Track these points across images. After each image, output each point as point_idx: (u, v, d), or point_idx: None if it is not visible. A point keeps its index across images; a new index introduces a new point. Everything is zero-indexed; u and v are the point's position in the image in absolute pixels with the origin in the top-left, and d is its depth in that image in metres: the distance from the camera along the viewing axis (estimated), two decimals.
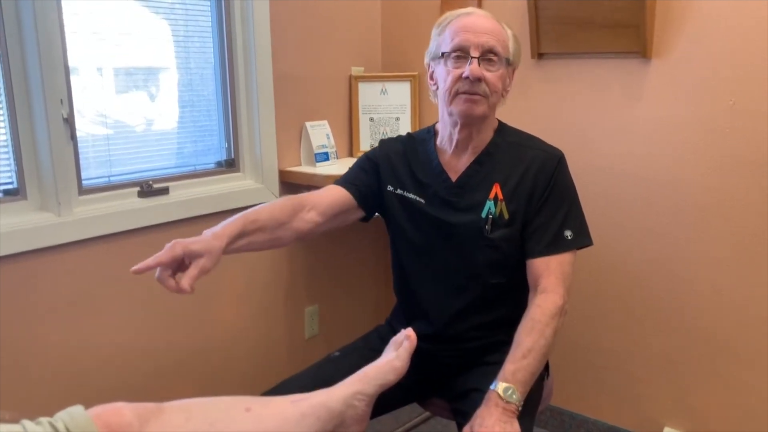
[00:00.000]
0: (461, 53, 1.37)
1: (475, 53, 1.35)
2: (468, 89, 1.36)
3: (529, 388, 1.28)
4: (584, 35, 1.93)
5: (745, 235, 1.80)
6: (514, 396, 1.23)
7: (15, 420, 0.73)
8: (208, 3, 1.98)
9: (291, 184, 2.17)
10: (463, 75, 1.35)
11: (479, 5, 2.17)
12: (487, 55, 1.36)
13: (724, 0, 1.74)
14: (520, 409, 1.24)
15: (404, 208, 1.50)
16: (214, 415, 0.88)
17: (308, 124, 2.21)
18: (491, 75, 1.36)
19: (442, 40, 1.41)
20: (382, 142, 1.60)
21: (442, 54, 1.40)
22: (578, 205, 1.46)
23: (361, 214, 1.53)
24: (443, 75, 1.40)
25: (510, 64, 1.42)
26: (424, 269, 1.50)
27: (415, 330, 1.19)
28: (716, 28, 1.77)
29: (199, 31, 1.98)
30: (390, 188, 1.52)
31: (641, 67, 1.90)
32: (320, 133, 2.23)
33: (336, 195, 1.49)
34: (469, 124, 1.41)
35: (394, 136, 1.64)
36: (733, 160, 1.79)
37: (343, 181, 1.54)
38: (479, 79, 1.35)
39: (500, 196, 1.41)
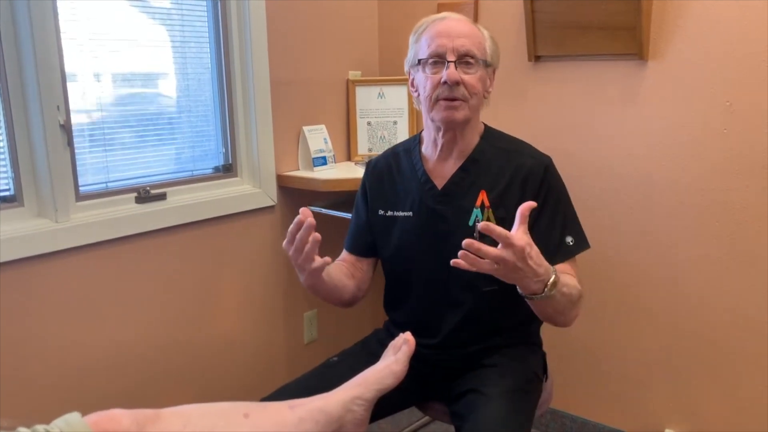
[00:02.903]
0: (438, 59, 1.37)
1: (451, 57, 1.35)
2: (447, 94, 1.36)
3: (557, 292, 1.24)
4: (581, 38, 1.94)
5: (744, 236, 1.80)
6: (555, 278, 1.22)
7: (11, 427, 0.73)
8: (205, 8, 1.98)
9: (289, 188, 2.17)
10: (442, 80, 1.36)
11: (476, 9, 2.17)
12: (464, 59, 1.36)
13: (719, 2, 1.74)
14: (549, 281, 1.21)
15: (394, 228, 1.51)
16: (212, 420, 0.88)
17: (306, 128, 2.21)
18: (470, 78, 1.36)
19: (419, 47, 1.42)
20: (368, 165, 1.61)
21: (420, 61, 1.41)
22: (573, 210, 1.46)
23: (375, 261, 1.61)
24: (422, 82, 1.40)
25: (489, 66, 1.42)
26: (417, 283, 1.49)
27: (413, 335, 1.19)
28: (712, 29, 1.77)
29: (196, 36, 1.98)
30: (381, 212, 1.53)
31: (638, 69, 1.90)
32: (318, 138, 2.23)
33: (365, 267, 1.59)
34: (452, 128, 1.42)
35: (391, 140, 1.65)
36: (730, 161, 1.79)
37: (350, 242, 1.61)
38: (458, 83, 1.35)
39: (486, 204, 1.41)
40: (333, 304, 1.54)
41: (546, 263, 1.21)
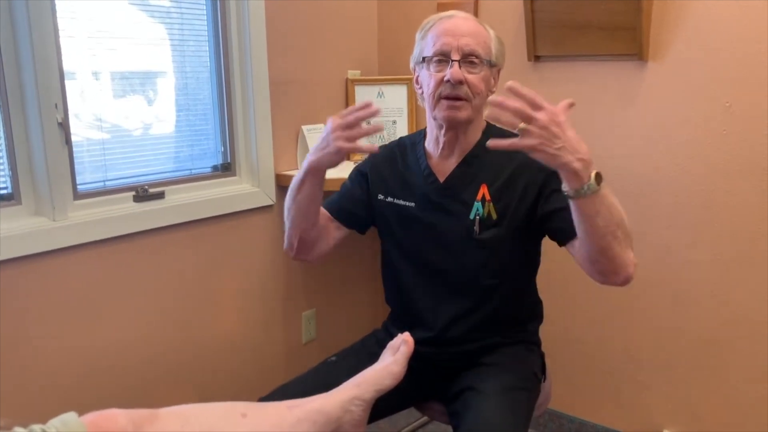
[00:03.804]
0: (442, 57, 1.37)
1: (455, 56, 1.36)
2: (450, 93, 1.36)
3: (605, 193, 1.17)
4: (580, 38, 1.93)
5: (743, 237, 1.80)
6: (599, 171, 1.15)
7: (8, 427, 0.73)
8: (204, 6, 1.98)
9: (287, 188, 2.16)
10: (444, 78, 1.36)
11: (475, 8, 2.17)
12: (468, 58, 1.36)
13: (719, 2, 1.74)
14: (593, 170, 1.14)
15: (394, 216, 1.51)
16: (210, 420, 0.88)
17: (305, 127, 2.21)
18: (473, 77, 1.37)
19: (424, 44, 1.42)
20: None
21: (425, 58, 1.41)
22: None
23: (345, 231, 1.57)
24: (426, 79, 1.41)
25: (493, 66, 1.42)
26: (417, 275, 1.50)
27: (411, 334, 1.19)
28: (712, 30, 1.77)
29: (195, 34, 1.98)
30: (380, 197, 1.53)
31: (637, 70, 1.90)
32: (317, 137, 2.22)
33: (332, 229, 1.56)
34: (453, 127, 1.42)
35: (390, 140, 1.65)
36: (729, 162, 1.79)
37: (330, 201, 1.57)
38: (461, 82, 1.35)
39: (488, 197, 1.41)
40: (296, 231, 1.48)
41: (585, 146, 1.15)
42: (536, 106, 1.12)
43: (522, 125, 1.12)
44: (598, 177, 1.14)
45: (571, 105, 1.17)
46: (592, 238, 1.22)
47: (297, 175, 1.44)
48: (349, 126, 1.33)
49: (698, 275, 1.89)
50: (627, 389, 2.08)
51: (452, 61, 1.36)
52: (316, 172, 1.39)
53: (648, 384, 2.03)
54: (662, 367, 2.00)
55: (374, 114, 1.32)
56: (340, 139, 1.33)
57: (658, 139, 1.90)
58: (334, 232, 1.56)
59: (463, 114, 1.38)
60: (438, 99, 1.39)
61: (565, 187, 1.17)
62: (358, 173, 1.59)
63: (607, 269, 1.26)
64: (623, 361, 2.07)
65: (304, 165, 1.41)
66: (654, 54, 1.87)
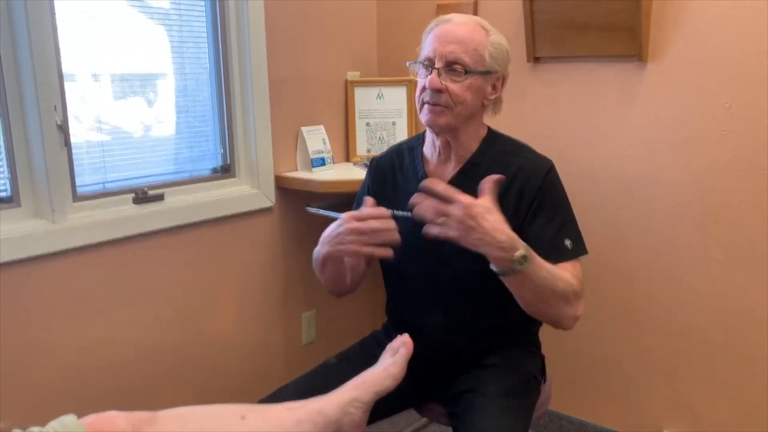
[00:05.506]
0: (429, 63, 1.37)
1: (438, 64, 1.35)
2: (429, 100, 1.37)
3: (531, 271, 1.22)
4: (580, 39, 1.94)
5: (743, 237, 1.80)
6: (524, 252, 1.20)
7: (7, 429, 0.73)
8: (203, 8, 1.98)
9: (287, 189, 2.17)
10: (425, 85, 1.36)
11: (475, 10, 2.17)
12: (452, 66, 1.35)
13: (718, 2, 1.74)
14: (517, 254, 1.20)
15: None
16: (209, 423, 0.87)
17: (304, 129, 2.21)
18: (455, 86, 1.35)
19: (423, 47, 1.42)
20: (371, 162, 1.61)
21: (419, 62, 1.42)
22: (573, 216, 1.44)
23: None
24: (418, 83, 1.42)
25: (489, 73, 1.39)
26: (414, 287, 1.49)
27: (410, 336, 1.19)
28: (711, 30, 1.77)
29: (194, 36, 1.98)
30: None
31: (637, 71, 1.90)
32: (316, 138, 2.23)
33: (361, 262, 1.56)
34: (438, 132, 1.42)
35: (390, 141, 1.65)
36: (729, 163, 1.79)
37: None
38: (439, 90, 1.35)
39: None
40: (331, 289, 1.53)
41: (512, 234, 1.21)
42: (450, 201, 1.20)
43: (440, 219, 1.21)
44: (524, 258, 1.21)
45: (498, 181, 1.24)
46: (525, 304, 1.32)
47: (316, 253, 1.43)
48: (364, 233, 1.31)
49: (697, 275, 1.89)
50: (627, 390, 2.08)
51: (433, 68, 1.36)
52: (334, 260, 1.41)
53: (648, 384, 2.03)
54: (662, 367, 2.00)
55: (390, 225, 1.31)
56: (355, 244, 1.31)
57: (658, 139, 1.90)
58: (362, 263, 1.56)
59: (442, 120, 1.37)
60: (422, 104, 1.39)
61: (492, 265, 1.24)
62: (362, 193, 1.58)
63: (542, 320, 1.38)
64: (623, 361, 2.07)
65: (321, 251, 1.39)
66: (653, 54, 1.87)
